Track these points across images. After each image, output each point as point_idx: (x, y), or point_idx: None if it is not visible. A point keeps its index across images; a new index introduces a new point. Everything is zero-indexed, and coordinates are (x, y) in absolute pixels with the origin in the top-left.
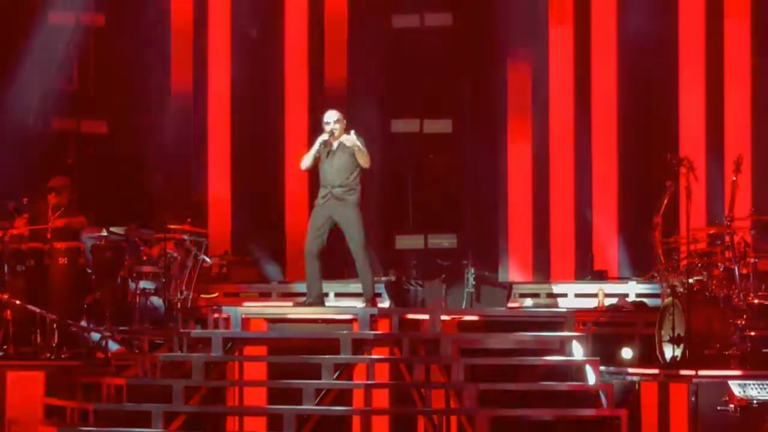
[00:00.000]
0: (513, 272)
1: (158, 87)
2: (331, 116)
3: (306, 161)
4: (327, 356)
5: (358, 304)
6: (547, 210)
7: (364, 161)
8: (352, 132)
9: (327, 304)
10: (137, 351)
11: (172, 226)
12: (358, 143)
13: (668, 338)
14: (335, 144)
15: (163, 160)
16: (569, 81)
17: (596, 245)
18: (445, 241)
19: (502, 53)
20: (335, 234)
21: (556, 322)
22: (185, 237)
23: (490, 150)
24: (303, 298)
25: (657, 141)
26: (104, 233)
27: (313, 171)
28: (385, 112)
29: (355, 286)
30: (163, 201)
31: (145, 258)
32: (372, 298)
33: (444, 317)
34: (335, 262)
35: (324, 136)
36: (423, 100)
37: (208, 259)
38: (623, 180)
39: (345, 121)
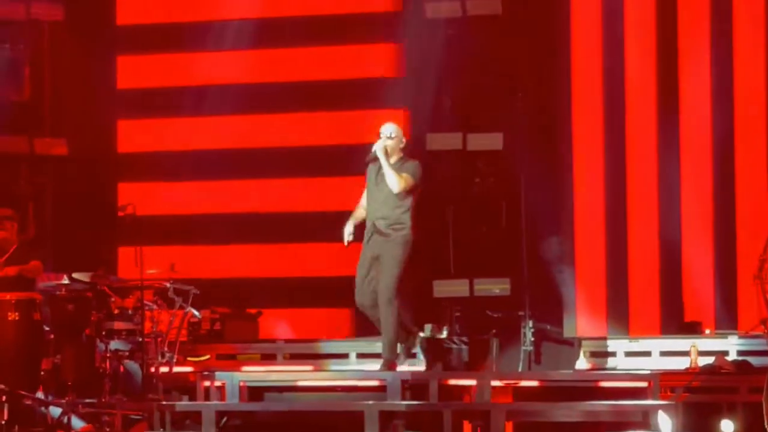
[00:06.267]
0: (582, 326)
1: None
2: (385, 130)
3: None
4: None
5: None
6: (624, 247)
7: (391, 181)
8: (379, 145)
9: (348, 366)
10: (108, 429)
11: (150, 271)
12: (381, 155)
13: None
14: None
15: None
16: (651, 82)
17: (687, 291)
18: (495, 287)
19: (566, 53)
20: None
21: (637, 388)
22: (168, 284)
23: (551, 170)
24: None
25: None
26: (65, 281)
27: None
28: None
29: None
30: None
31: (116, 312)
32: (390, 362)
33: (495, 383)
34: None
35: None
36: (468, 112)
37: (196, 313)
38: (720, 210)
39: (404, 141)
